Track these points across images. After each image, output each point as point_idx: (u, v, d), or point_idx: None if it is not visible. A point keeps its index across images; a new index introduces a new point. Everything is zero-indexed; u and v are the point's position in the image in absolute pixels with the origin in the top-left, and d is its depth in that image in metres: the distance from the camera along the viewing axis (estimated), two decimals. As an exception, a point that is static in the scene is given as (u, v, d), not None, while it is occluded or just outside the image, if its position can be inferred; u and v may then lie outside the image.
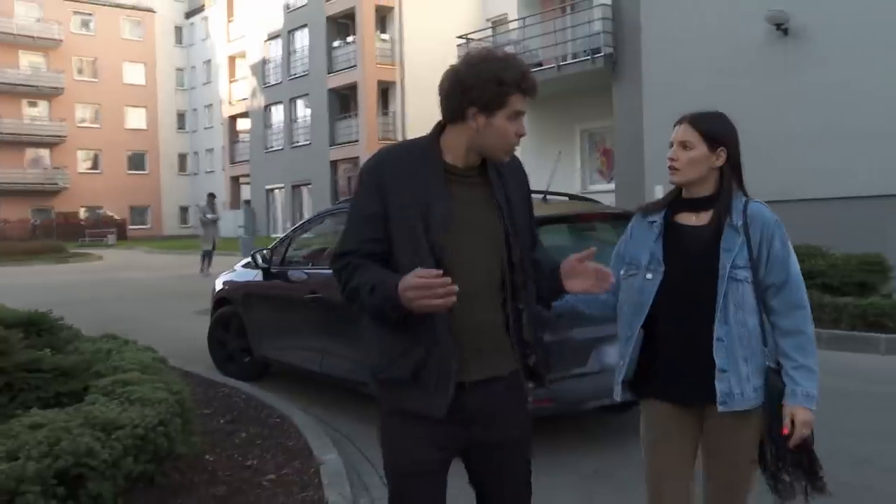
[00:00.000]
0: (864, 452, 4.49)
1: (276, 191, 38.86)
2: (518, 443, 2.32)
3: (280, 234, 34.39)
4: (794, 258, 2.44)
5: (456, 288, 1.96)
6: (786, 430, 2.36)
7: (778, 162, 11.45)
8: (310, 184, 36.07)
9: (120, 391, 4.07)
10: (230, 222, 40.39)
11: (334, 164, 34.82)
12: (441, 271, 1.98)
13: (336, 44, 34.66)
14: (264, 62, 39.40)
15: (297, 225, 6.69)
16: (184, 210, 55.85)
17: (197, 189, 54.69)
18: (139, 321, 9.80)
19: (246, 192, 43.17)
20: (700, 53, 13.27)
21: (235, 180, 44.52)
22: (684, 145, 2.46)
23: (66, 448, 3.20)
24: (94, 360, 4.85)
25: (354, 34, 33.72)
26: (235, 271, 7.24)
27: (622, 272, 2.57)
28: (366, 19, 32.74)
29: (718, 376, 2.38)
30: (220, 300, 7.13)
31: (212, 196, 21.74)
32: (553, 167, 5.56)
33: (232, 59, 43.96)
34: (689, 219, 2.51)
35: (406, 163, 2.21)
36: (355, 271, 2.16)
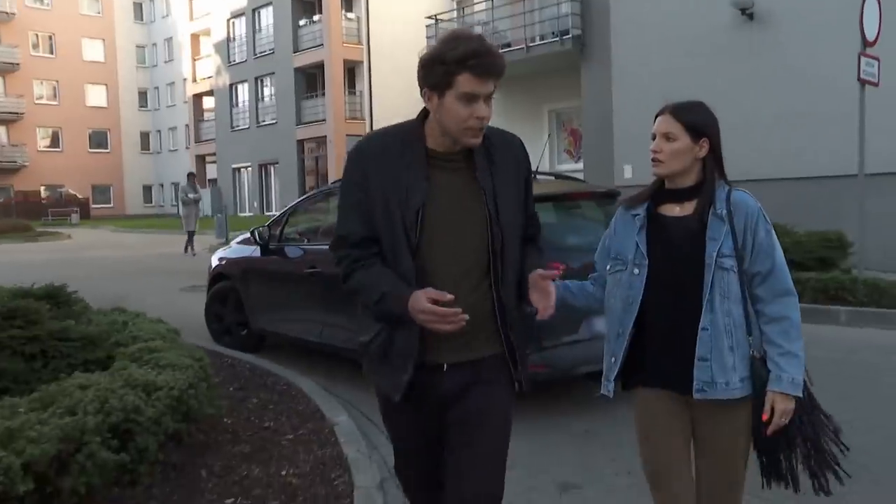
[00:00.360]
0: (828, 410, 4.96)
1: (243, 170, 38.71)
2: (491, 413, 2.28)
3: (248, 214, 34.24)
4: (778, 245, 2.44)
5: (466, 316, 2.04)
6: (765, 416, 2.34)
7: (740, 143, 11.89)
8: (277, 163, 36.02)
9: (147, 357, 4.34)
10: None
11: (301, 144, 34.81)
12: (452, 297, 2.05)
13: (302, 22, 34.53)
14: (229, 40, 39.06)
15: (293, 203, 6.94)
16: (147, 189, 55.23)
17: (160, 168, 54.13)
18: (126, 299, 9.92)
19: (212, 171, 42.99)
20: (668, 36, 13.67)
21: (201, 159, 44.17)
22: (667, 137, 2.43)
23: (115, 405, 3.48)
24: (111, 331, 5.10)
25: (320, 13, 33.62)
26: (231, 248, 7.48)
27: (608, 267, 2.55)
28: (332, -2, 32.71)
29: (698, 365, 2.37)
30: (217, 276, 7.37)
31: (192, 175, 21.22)
32: (542, 149, 5.90)
33: (195, 37, 43.46)
34: (672, 210, 2.49)
35: (389, 147, 2.22)
36: (356, 269, 2.23)
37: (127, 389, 3.67)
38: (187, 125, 48.44)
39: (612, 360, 2.50)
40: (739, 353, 2.37)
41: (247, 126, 38.22)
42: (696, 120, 2.44)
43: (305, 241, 6.63)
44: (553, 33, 18.16)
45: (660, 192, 2.52)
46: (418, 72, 2.15)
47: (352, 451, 4.16)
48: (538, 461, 4.24)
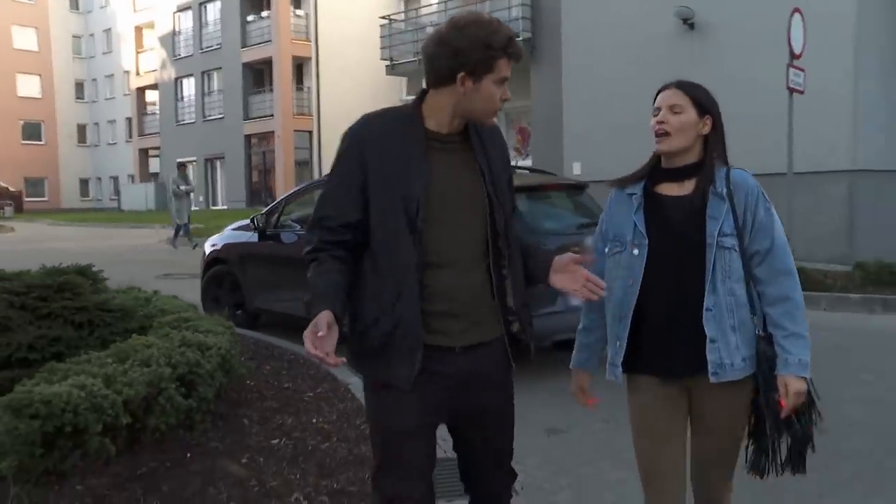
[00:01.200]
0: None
1: (189, 164, 38.53)
2: (502, 409, 2.37)
3: (193, 208, 34.19)
4: (778, 224, 2.40)
5: (335, 360, 2.00)
6: (783, 402, 2.32)
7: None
8: (223, 157, 36.07)
9: (186, 325, 4.91)
10: (141, 196, 39.94)
11: (249, 138, 34.97)
12: (323, 333, 2.00)
13: (250, 18, 34.69)
14: (174, 34, 38.88)
15: (288, 193, 7.54)
16: (84, 182, 54.24)
17: (98, 161, 53.25)
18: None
19: (154, 165, 42.74)
20: (616, 42, 14.57)
21: (144, 153, 43.85)
22: (673, 109, 2.38)
23: (180, 360, 4.09)
24: (137, 306, 5.63)
25: (268, 9, 33.81)
26: (225, 234, 8.03)
27: (606, 249, 2.50)
28: (280, -6, 32.97)
29: (709, 347, 2.32)
30: (213, 260, 7.91)
31: (183, 166, 20.76)
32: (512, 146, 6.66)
33: (139, 30, 43.09)
34: (670, 189, 2.44)
35: (387, 130, 2.21)
36: (313, 259, 2.22)
37: (184, 348, 4.27)
38: (128, 118, 47.86)
39: (618, 343, 2.46)
40: (742, 333, 2.35)
41: (192, 120, 38.11)
42: (701, 95, 2.43)
43: (298, 227, 7.22)
44: (504, 36, 19.01)
45: (656, 172, 2.49)
46: (453, 55, 2.12)
47: (369, 404, 4.80)
48: (525, 412, 4.95)
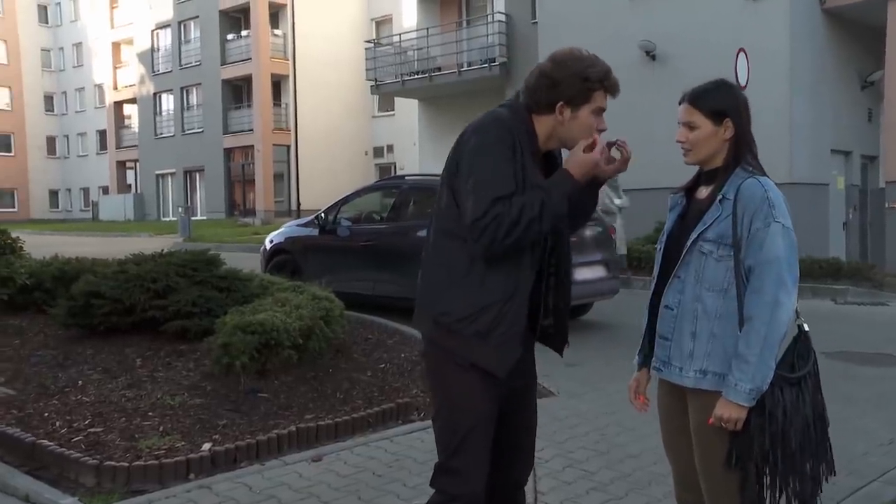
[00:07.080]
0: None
1: (169, 176, 39.79)
2: (534, 386, 2.68)
3: (172, 219, 35.36)
4: (774, 242, 2.23)
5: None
6: (710, 421, 2.25)
7: (644, 157, 14.84)
8: (203, 170, 37.41)
9: (300, 290, 6.64)
10: (119, 207, 41.01)
11: (229, 152, 36.34)
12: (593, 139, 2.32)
13: (230, 37, 36.15)
14: (153, 50, 40.12)
15: (343, 197, 9.31)
16: (53, 193, 54.77)
17: (68, 173, 53.87)
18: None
19: (130, 177, 43.86)
20: (585, 70, 16.57)
21: (122, 164, 44.83)
22: (689, 126, 2.41)
23: (319, 307, 5.85)
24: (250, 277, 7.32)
25: (248, 28, 35.34)
26: (283, 230, 9.77)
27: None
28: (260, 15, 34.52)
29: (658, 342, 2.39)
30: (277, 251, 9.62)
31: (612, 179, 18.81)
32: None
33: (117, 45, 44.11)
34: (702, 192, 2.46)
35: (522, 134, 2.35)
36: (513, 206, 2.22)
37: (317, 301, 6.03)
38: (99, 131, 48.76)
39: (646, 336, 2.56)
40: (706, 345, 2.30)
41: (172, 134, 39.30)
42: (715, 103, 2.40)
43: (350, 223, 8.97)
44: (481, 60, 21.02)
45: (700, 176, 2.53)
46: (552, 87, 2.33)
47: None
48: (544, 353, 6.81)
